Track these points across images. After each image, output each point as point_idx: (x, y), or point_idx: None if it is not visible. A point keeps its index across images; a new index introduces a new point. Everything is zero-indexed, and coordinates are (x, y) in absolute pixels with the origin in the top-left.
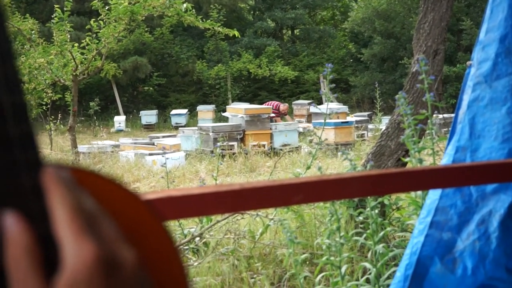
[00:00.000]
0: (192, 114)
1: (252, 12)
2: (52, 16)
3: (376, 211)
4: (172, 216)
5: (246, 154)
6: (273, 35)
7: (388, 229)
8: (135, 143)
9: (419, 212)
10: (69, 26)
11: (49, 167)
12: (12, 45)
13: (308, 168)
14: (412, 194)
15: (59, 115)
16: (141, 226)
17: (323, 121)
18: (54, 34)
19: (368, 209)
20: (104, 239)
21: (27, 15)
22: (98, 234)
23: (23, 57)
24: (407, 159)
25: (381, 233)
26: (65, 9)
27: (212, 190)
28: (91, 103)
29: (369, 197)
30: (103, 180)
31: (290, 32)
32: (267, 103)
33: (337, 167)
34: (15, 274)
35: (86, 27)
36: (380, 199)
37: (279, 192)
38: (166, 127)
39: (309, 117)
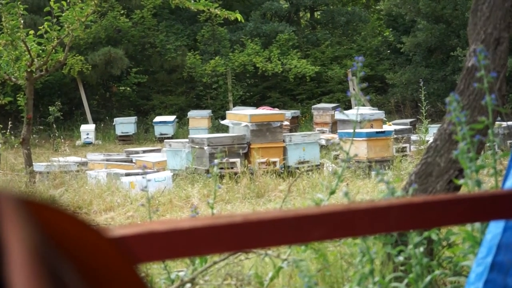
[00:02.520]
0: (182, 121)
1: None
2: None
3: (421, 249)
4: (156, 257)
5: (252, 174)
6: (286, 18)
7: (437, 272)
8: (107, 160)
9: (476, 250)
10: (22, 8)
11: (1, 197)
12: None
13: (333, 193)
14: (468, 226)
15: (9, 123)
16: (107, 270)
17: (352, 130)
18: (3, 19)
19: (411, 246)
20: None
21: None
22: (56, 285)
23: None
24: (461, 181)
25: (428, 278)
26: None
27: (207, 223)
28: (51, 108)
29: (411, 230)
30: (62, 216)
31: (309, 14)
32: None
33: (370, 191)
34: None
35: (44, 10)
36: (426, 234)
37: (294, 225)
38: (147, 138)
39: (334, 125)
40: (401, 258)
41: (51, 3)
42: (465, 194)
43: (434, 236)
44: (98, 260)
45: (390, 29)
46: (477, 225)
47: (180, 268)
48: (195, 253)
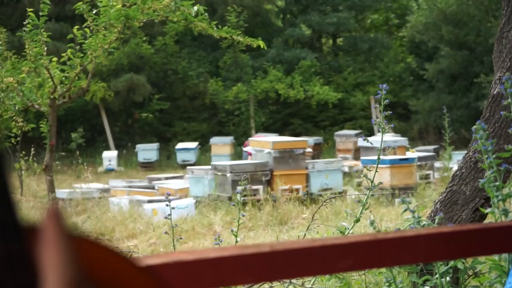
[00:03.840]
0: (204, 148)
1: (281, 16)
2: (24, 22)
3: (448, 278)
4: (183, 287)
5: (275, 201)
6: (309, 45)
7: None
8: (129, 187)
9: (504, 279)
10: (45, 36)
11: (47, 225)
12: None
13: (357, 221)
14: (495, 256)
15: (32, 150)
16: None
17: (375, 158)
18: (26, 46)
19: (437, 275)
20: None
21: None
22: None
23: None
24: (487, 210)
25: None
26: (41, 13)
27: (234, 253)
28: (74, 135)
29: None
30: (95, 246)
31: (331, 41)
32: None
33: (393, 218)
34: None
35: (67, 37)
36: (452, 263)
37: (322, 255)
38: (170, 165)
39: (357, 152)
40: (427, 287)
41: (74, 30)
42: (492, 224)
43: (460, 265)
44: None
45: (413, 55)
46: (504, 254)
47: None
48: (222, 284)
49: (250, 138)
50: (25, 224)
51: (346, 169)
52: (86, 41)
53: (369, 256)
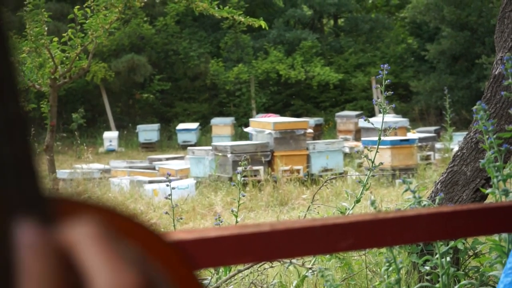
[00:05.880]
0: (205, 129)
1: None
2: (25, 2)
3: (448, 258)
4: None
5: (275, 182)
6: (310, 26)
7: (464, 282)
8: (130, 167)
9: (504, 260)
10: (46, 16)
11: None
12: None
13: (358, 201)
14: (495, 236)
15: (33, 130)
16: (173, 278)
17: (376, 138)
18: (27, 26)
19: (437, 256)
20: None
21: None
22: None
23: None
24: (488, 190)
25: None
26: None
27: (234, 232)
28: (74, 115)
29: (439, 240)
30: (128, 221)
31: (332, 22)
32: (261, 116)
33: (394, 199)
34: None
35: (68, 17)
36: (452, 243)
37: (322, 235)
38: (170, 146)
39: (358, 133)
40: (427, 267)
41: (75, 10)
42: (493, 204)
43: (460, 246)
44: (165, 268)
45: (414, 36)
46: (504, 235)
47: (204, 276)
48: (222, 263)
49: (251, 119)
50: (49, 195)
51: (347, 150)
52: (86, 21)
53: (370, 236)
